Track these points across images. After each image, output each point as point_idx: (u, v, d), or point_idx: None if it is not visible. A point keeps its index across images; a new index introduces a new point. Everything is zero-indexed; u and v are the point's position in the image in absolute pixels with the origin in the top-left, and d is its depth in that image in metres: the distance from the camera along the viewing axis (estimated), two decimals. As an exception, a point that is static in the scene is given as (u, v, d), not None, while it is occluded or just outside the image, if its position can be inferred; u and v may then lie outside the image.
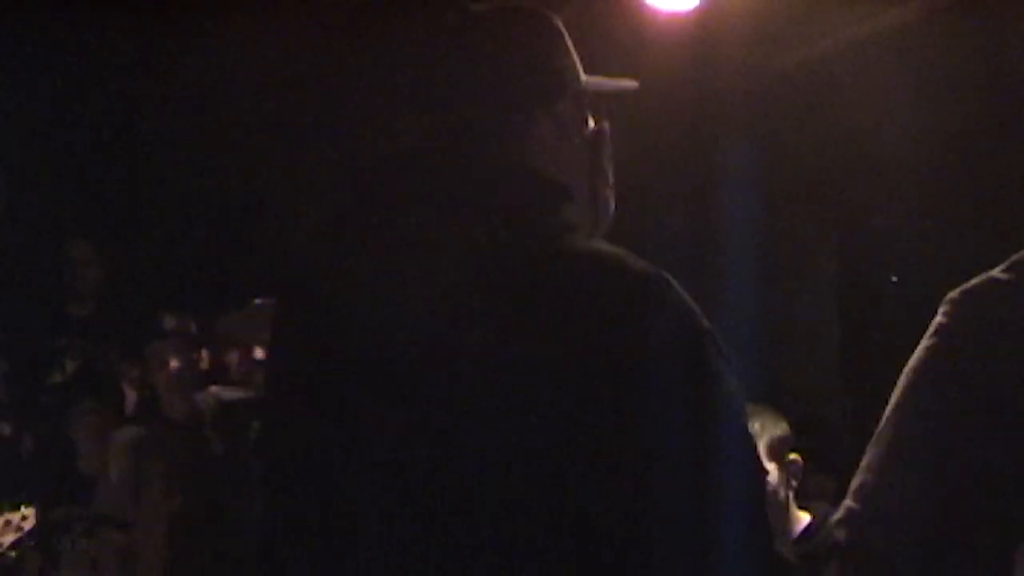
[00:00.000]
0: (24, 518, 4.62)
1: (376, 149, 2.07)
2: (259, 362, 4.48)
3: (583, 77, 1.96)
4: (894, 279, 7.47)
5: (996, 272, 1.66)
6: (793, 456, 3.34)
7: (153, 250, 7.29)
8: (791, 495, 3.51)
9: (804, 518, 3.61)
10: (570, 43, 1.95)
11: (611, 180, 2.07)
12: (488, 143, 1.82)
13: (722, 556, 1.64)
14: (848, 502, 1.86)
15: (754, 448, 1.76)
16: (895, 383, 1.85)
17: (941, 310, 1.75)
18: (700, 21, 5.14)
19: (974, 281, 1.67)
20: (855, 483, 1.85)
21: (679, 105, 6.72)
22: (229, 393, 4.19)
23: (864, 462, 1.85)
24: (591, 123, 1.99)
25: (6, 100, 6.54)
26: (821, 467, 5.40)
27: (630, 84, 2.15)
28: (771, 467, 3.24)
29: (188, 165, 7.21)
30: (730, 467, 1.64)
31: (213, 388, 4.49)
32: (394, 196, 1.80)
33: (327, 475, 1.74)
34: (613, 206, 2.07)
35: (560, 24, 1.95)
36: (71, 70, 6.91)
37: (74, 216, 6.97)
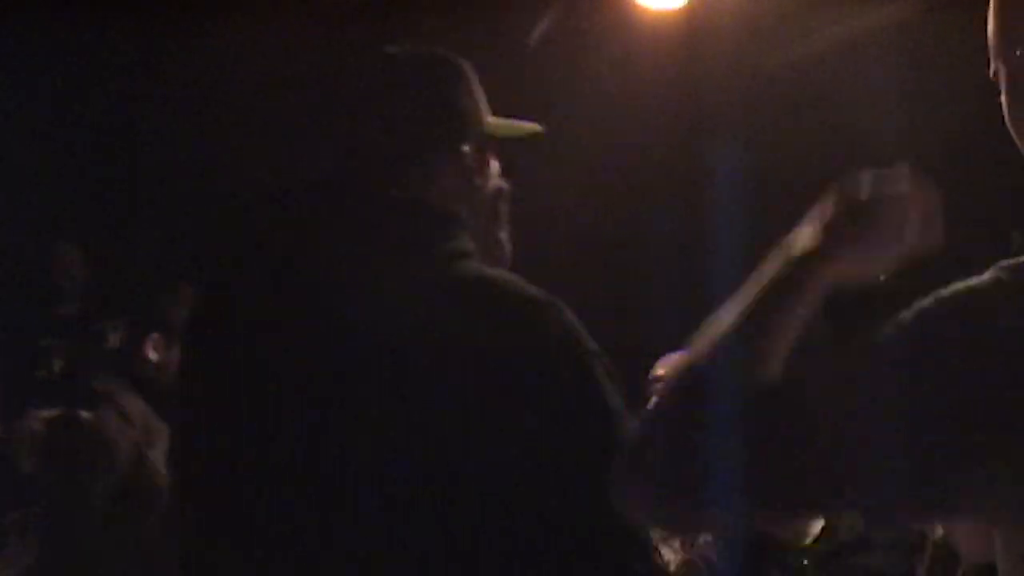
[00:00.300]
0: None
1: (290, 178, 2.18)
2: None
3: (488, 120, 2.07)
4: (882, 277, 7.46)
5: (975, 279, 1.61)
6: None
7: (146, 252, 7.27)
8: None
9: None
10: (476, 86, 2.06)
11: (507, 228, 2.18)
12: (391, 178, 1.93)
13: (589, 543, 1.81)
14: None
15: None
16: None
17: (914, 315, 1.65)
18: (689, 19, 5.13)
19: (952, 287, 1.62)
20: None
21: (668, 103, 6.71)
22: None
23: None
24: (494, 163, 2.13)
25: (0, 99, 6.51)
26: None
27: (534, 128, 2.25)
28: None
29: (183, 167, 7.19)
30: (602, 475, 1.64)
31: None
32: (301, 225, 1.95)
33: (234, 485, 1.88)
34: (510, 251, 2.17)
35: (467, 68, 2.05)
36: (65, 70, 6.89)
37: (65, 217, 6.95)
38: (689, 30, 5.42)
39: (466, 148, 2.02)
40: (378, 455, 1.81)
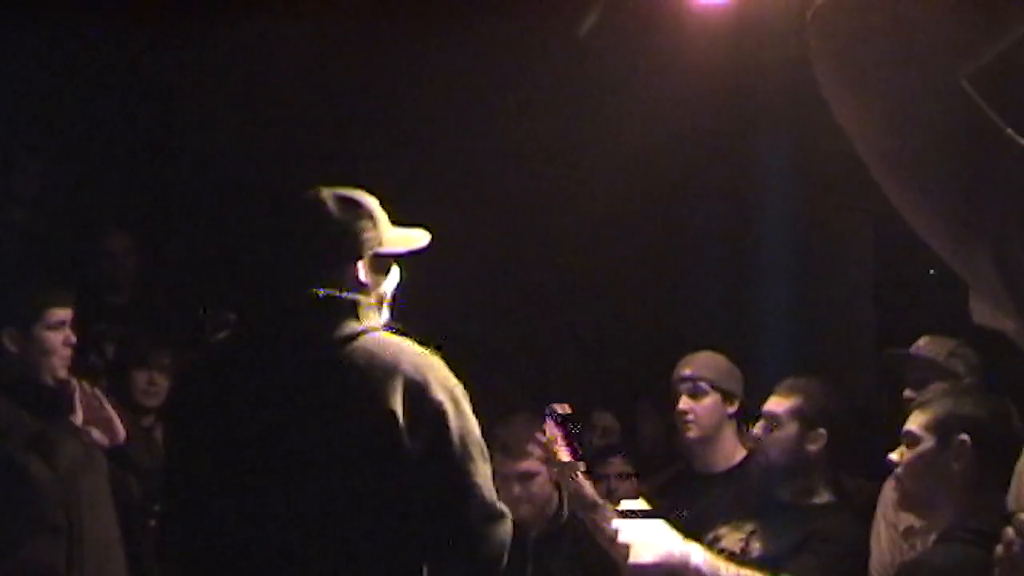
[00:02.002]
0: None
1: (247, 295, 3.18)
2: None
3: (385, 240, 2.93)
4: (932, 271, 7.43)
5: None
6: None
7: (187, 242, 7.34)
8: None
9: None
10: (377, 216, 2.93)
11: (385, 315, 2.99)
12: (309, 286, 2.80)
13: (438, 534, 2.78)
14: None
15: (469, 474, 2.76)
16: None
17: None
18: (737, 11, 5.12)
19: None
20: None
21: (716, 96, 6.71)
22: None
23: None
24: (394, 269, 3.01)
25: (44, 92, 6.58)
26: (860, 457, 5.40)
27: (422, 242, 3.04)
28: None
29: (224, 158, 7.25)
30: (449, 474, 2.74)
31: None
32: (252, 330, 2.91)
33: (209, 510, 2.80)
34: (389, 314, 3.00)
35: (370, 202, 2.94)
36: (107, 62, 6.95)
37: (111, 207, 7.02)
38: (737, 23, 5.42)
39: (362, 263, 2.88)
40: (314, 479, 2.72)
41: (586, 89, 7.04)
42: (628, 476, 5.55)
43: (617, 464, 5.53)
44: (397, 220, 3.05)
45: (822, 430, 3.97)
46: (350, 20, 6.66)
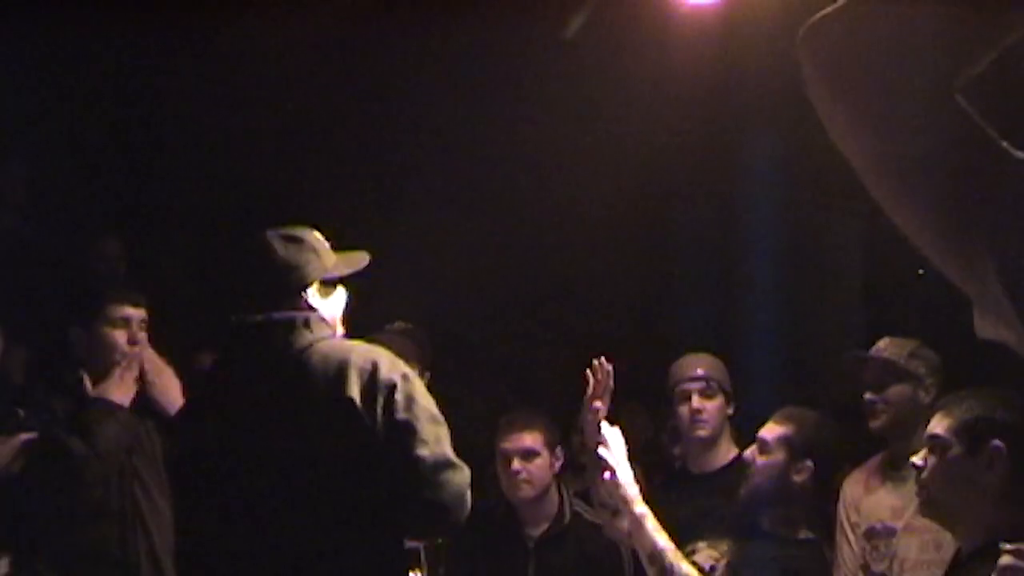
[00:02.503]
0: None
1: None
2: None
3: (328, 267, 3.45)
4: (921, 271, 7.44)
5: None
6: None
7: (177, 246, 7.33)
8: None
9: None
10: (321, 250, 3.47)
11: (338, 325, 3.51)
12: (270, 309, 3.34)
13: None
14: None
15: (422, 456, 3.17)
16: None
17: None
18: (725, 12, 5.12)
19: None
20: None
21: (706, 97, 6.71)
22: None
23: None
24: (340, 291, 3.53)
25: (33, 97, 6.57)
26: (851, 455, 5.41)
27: (361, 263, 3.56)
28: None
29: (212, 162, 7.25)
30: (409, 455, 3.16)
31: None
32: (235, 351, 3.44)
33: (209, 497, 3.33)
34: (335, 329, 3.48)
35: (311, 238, 3.48)
36: (97, 66, 6.94)
37: (101, 211, 7.02)
38: (725, 24, 5.42)
39: (311, 289, 3.41)
40: (292, 470, 3.21)
41: (574, 91, 7.04)
42: None
43: None
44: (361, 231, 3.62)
45: (809, 462, 3.93)
46: (341, 23, 6.66)
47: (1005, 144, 1.57)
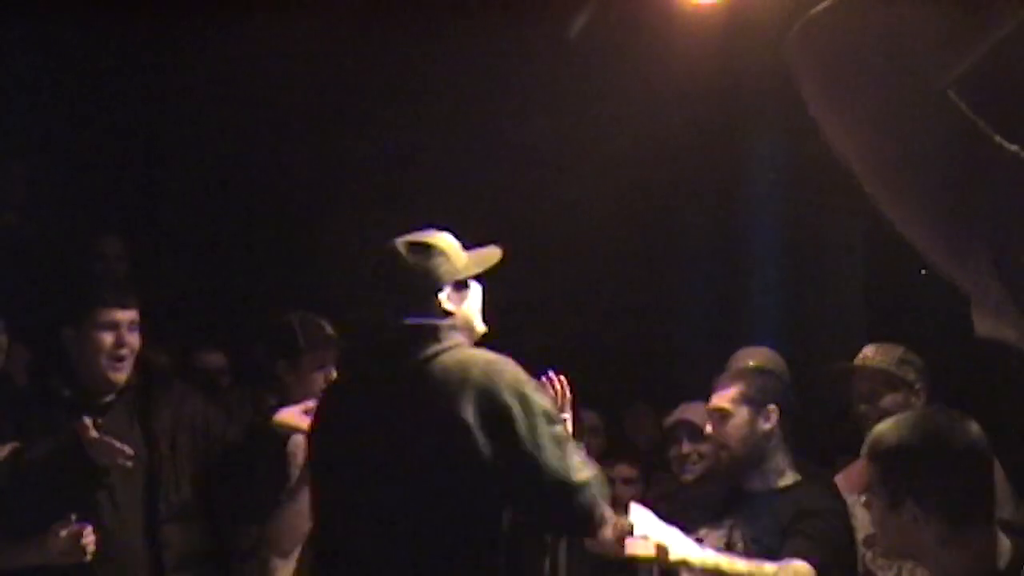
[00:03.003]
0: None
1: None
2: None
3: (462, 270, 3.48)
4: (923, 272, 7.43)
5: None
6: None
7: (176, 246, 7.33)
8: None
9: None
10: (451, 252, 3.50)
11: (478, 325, 3.57)
12: (401, 317, 3.37)
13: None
14: None
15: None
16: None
17: None
18: (729, 11, 5.12)
19: None
20: None
21: (707, 96, 6.70)
22: None
23: None
24: (475, 287, 3.55)
25: (32, 96, 6.57)
26: (854, 455, 5.40)
27: (493, 259, 3.59)
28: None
29: (211, 161, 7.25)
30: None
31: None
32: (364, 354, 3.53)
33: (339, 503, 3.41)
34: (481, 330, 3.56)
35: (439, 241, 3.51)
36: (96, 66, 6.94)
37: (98, 211, 7.02)
38: (729, 23, 5.41)
39: (444, 292, 3.42)
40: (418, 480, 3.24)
41: (576, 91, 7.03)
42: (632, 481, 5.61)
43: (623, 469, 5.58)
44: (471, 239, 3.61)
45: (771, 406, 4.02)
46: (342, 23, 6.65)
47: (998, 138, 1.56)
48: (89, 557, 4.16)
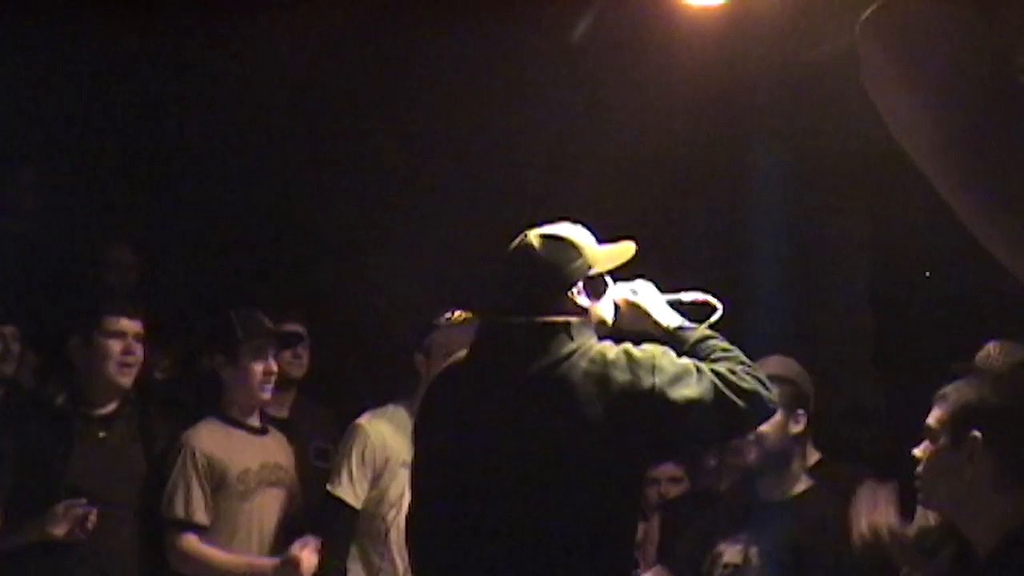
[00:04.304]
0: None
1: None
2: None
3: (596, 265, 3.35)
4: (927, 274, 7.44)
5: None
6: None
7: (185, 253, 7.35)
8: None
9: None
10: (585, 246, 3.35)
11: (610, 320, 3.44)
12: (534, 313, 3.23)
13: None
14: None
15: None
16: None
17: None
18: (731, 14, 5.12)
19: None
20: None
21: (710, 99, 6.71)
22: None
23: None
24: (609, 283, 3.44)
25: (41, 103, 6.59)
26: (859, 457, 5.41)
27: (628, 254, 3.48)
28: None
29: (220, 169, 7.26)
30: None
31: None
32: (481, 352, 3.33)
33: (446, 498, 3.25)
34: (609, 325, 3.42)
35: (578, 239, 3.36)
36: (109, 71, 6.96)
37: (108, 219, 7.03)
38: (731, 26, 5.42)
39: (577, 289, 3.29)
40: (532, 476, 3.14)
41: (579, 94, 7.04)
42: (678, 480, 5.64)
43: (669, 469, 5.66)
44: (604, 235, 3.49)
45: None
46: (344, 25, 6.66)
47: None
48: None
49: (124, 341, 4.55)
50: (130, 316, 4.59)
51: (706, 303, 3.58)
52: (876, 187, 7.17)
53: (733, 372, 3.22)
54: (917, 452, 3.05)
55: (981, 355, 4.25)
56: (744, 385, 3.20)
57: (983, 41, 1.58)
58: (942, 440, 2.92)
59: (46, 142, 6.66)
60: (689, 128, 6.97)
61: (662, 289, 3.61)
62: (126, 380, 4.56)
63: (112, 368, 4.52)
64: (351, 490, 4.75)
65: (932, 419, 2.97)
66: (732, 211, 7.44)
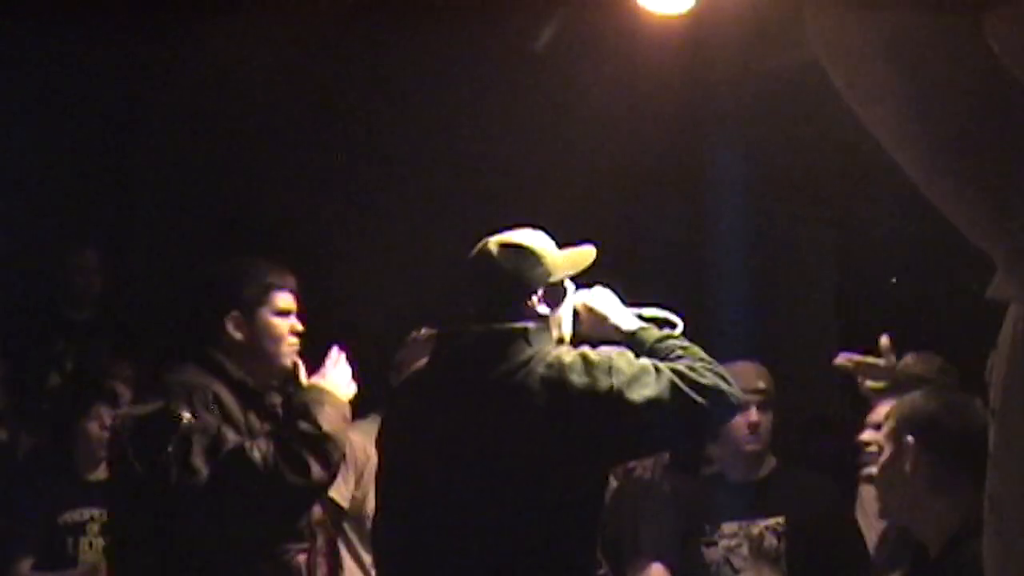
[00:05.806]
0: None
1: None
2: None
3: (556, 272, 3.34)
4: (893, 280, 7.47)
5: None
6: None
7: (152, 257, 7.31)
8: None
9: None
10: (545, 254, 3.34)
11: (569, 326, 3.44)
12: (491, 320, 3.24)
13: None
14: None
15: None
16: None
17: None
18: (693, 23, 5.13)
19: None
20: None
21: (673, 107, 6.72)
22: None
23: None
24: (569, 289, 3.43)
25: (6, 104, 6.54)
26: (823, 465, 5.43)
27: (589, 259, 3.45)
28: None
29: (188, 172, 7.23)
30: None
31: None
32: (441, 361, 3.33)
33: (410, 501, 3.25)
34: (568, 331, 3.42)
35: (532, 242, 3.35)
36: (72, 75, 6.92)
37: (74, 223, 7.00)
38: (694, 35, 5.43)
39: (536, 296, 3.30)
40: (489, 479, 3.13)
41: (543, 103, 7.04)
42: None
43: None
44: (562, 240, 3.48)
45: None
46: (312, 34, 6.64)
47: None
48: None
49: (290, 320, 3.86)
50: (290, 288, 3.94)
51: (666, 320, 3.58)
52: (841, 195, 7.20)
53: (692, 369, 3.21)
54: (873, 469, 3.20)
55: (900, 365, 4.35)
56: (704, 381, 3.18)
57: (973, 41, 1.58)
58: (888, 451, 3.03)
59: (5, 147, 6.60)
60: (653, 136, 6.98)
61: (623, 299, 3.59)
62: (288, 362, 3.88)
63: (285, 349, 3.85)
64: (337, 490, 4.75)
65: (881, 432, 3.12)
66: (696, 219, 7.46)
